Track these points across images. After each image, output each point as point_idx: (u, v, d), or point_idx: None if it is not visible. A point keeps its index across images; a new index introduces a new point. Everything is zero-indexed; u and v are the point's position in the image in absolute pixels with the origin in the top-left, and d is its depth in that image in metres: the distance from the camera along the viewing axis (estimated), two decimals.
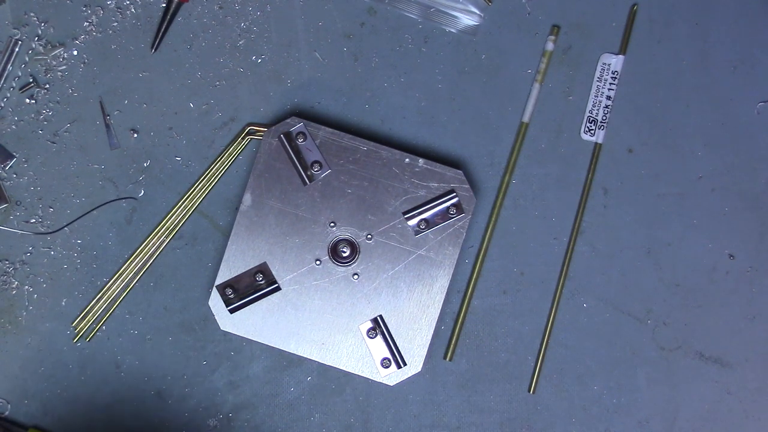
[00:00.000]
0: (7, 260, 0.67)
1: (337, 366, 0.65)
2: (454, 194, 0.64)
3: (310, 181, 0.65)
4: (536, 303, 0.68)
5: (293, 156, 0.64)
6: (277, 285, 0.64)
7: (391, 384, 0.65)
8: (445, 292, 0.65)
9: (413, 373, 0.65)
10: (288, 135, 0.65)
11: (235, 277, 0.64)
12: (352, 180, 0.65)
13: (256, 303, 0.64)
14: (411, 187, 0.65)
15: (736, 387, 0.68)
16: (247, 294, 0.64)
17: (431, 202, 0.64)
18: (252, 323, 0.64)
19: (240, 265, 0.64)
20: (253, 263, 0.64)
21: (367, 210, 0.65)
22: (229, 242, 0.64)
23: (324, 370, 0.67)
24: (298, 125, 0.64)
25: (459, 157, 0.68)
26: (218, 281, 0.64)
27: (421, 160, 0.64)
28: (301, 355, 0.64)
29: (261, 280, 0.64)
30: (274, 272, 0.64)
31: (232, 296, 0.64)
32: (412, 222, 0.65)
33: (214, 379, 0.68)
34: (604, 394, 0.68)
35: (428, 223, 0.65)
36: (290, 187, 0.65)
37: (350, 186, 0.65)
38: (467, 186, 0.64)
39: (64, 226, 0.67)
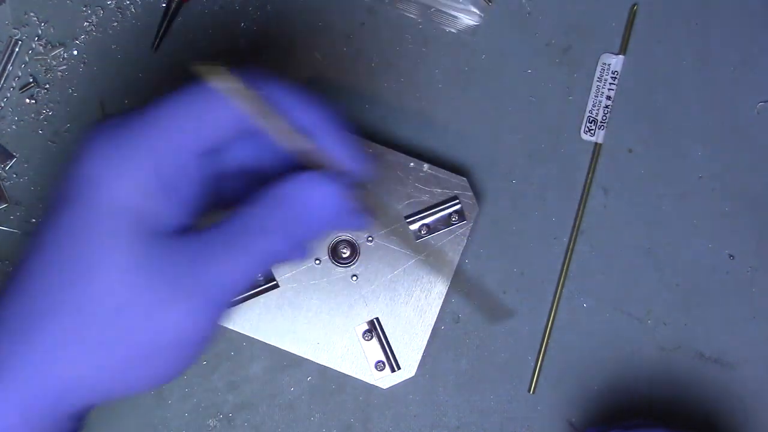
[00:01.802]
0: (7, 260, 0.67)
1: (331, 366, 0.65)
2: (457, 201, 0.64)
3: None
4: (536, 303, 0.68)
5: None
6: (275, 282, 0.64)
7: (384, 387, 0.65)
8: (443, 298, 0.65)
9: (407, 377, 0.65)
10: None
11: None
12: None
13: (253, 299, 0.64)
14: (414, 191, 0.65)
15: (736, 387, 0.68)
16: (244, 290, 0.64)
17: (433, 208, 0.64)
18: (248, 319, 0.64)
19: None
20: None
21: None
22: None
23: (324, 370, 0.67)
24: None
25: (459, 158, 0.68)
26: None
27: (425, 165, 0.64)
28: (296, 353, 0.64)
29: (259, 277, 0.64)
30: (273, 269, 0.64)
31: None
32: (414, 226, 0.65)
33: (214, 379, 0.68)
34: (604, 394, 0.68)
35: (430, 228, 0.65)
36: None
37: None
38: (470, 194, 0.64)
39: None
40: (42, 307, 0.44)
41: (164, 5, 0.67)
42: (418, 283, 0.65)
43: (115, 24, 0.68)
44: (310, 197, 0.46)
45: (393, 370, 0.65)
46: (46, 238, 0.44)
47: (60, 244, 0.44)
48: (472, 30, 0.68)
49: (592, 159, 0.68)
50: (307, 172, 0.46)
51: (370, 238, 0.65)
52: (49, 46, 0.67)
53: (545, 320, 0.68)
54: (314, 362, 0.65)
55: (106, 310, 0.43)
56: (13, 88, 0.67)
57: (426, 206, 0.65)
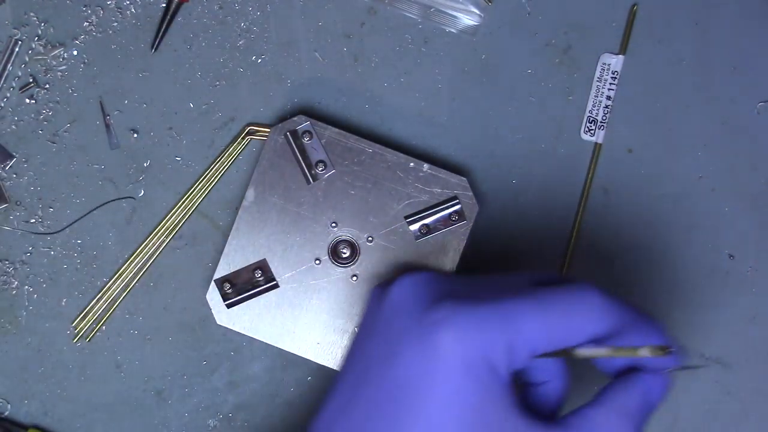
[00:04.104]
0: (7, 260, 0.67)
1: (331, 366, 0.65)
2: (457, 201, 0.64)
3: (313, 180, 0.65)
4: None
5: (298, 154, 0.64)
6: (275, 282, 0.64)
7: None
8: None
9: None
10: (294, 133, 0.65)
11: (234, 272, 0.64)
12: (356, 181, 0.65)
13: (253, 299, 0.64)
14: (414, 191, 0.65)
15: (736, 387, 0.68)
16: (245, 290, 0.64)
17: (433, 208, 0.64)
18: (249, 319, 0.64)
19: (239, 261, 0.64)
20: (252, 259, 0.64)
21: (369, 212, 0.65)
22: (229, 237, 0.64)
23: (324, 370, 0.67)
24: (305, 123, 0.64)
25: (459, 158, 0.68)
26: (217, 275, 0.64)
27: (425, 165, 0.64)
28: (296, 353, 0.64)
29: (260, 277, 0.64)
30: (273, 269, 0.64)
31: (230, 291, 0.64)
32: (414, 227, 0.65)
33: (214, 379, 0.68)
34: None
35: (429, 228, 0.65)
36: (293, 185, 0.65)
37: (353, 187, 0.65)
38: (470, 194, 0.64)
39: (66, 227, 0.67)
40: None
41: (164, 5, 0.67)
42: None
43: (115, 24, 0.68)
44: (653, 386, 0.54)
45: None
46: (387, 374, 0.50)
47: (401, 384, 0.49)
48: (472, 30, 0.68)
49: (592, 159, 0.68)
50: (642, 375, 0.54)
51: (370, 238, 0.65)
52: (49, 46, 0.67)
53: None
54: (314, 362, 0.65)
55: None
56: (13, 88, 0.67)
57: (426, 206, 0.65)
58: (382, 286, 0.57)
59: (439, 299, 0.50)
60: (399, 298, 0.52)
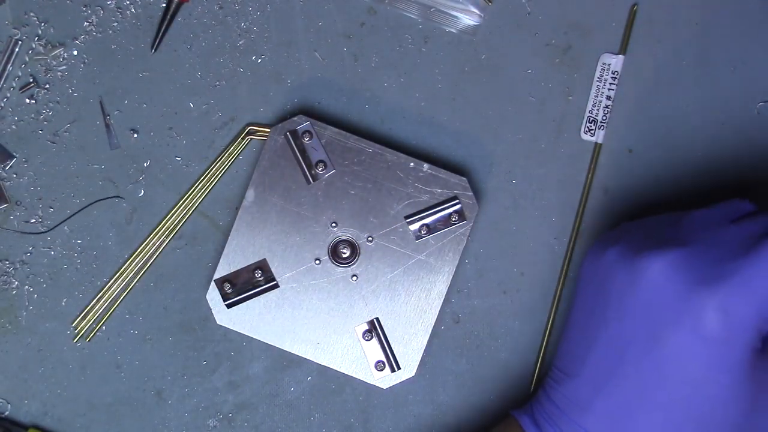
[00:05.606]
0: (7, 260, 0.67)
1: (331, 366, 0.65)
2: (457, 201, 0.64)
3: (313, 180, 0.65)
4: (536, 303, 0.68)
5: (298, 154, 0.64)
6: (275, 282, 0.64)
7: (384, 387, 0.65)
8: (442, 299, 0.65)
9: (407, 377, 0.65)
10: (294, 133, 0.65)
11: (234, 272, 0.64)
12: (356, 181, 0.65)
13: (253, 299, 0.64)
14: (414, 191, 0.65)
15: None
16: (245, 290, 0.64)
17: (433, 208, 0.64)
18: (249, 319, 0.64)
19: (239, 261, 0.64)
20: (252, 259, 0.64)
21: (370, 212, 0.65)
22: (229, 237, 0.64)
23: (324, 370, 0.67)
24: (305, 123, 0.64)
25: (459, 158, 0.68)
26: (217, 275, 0.64)
27: (425, 165, 0.64)
28: (296, 353, 0.65)
29: (260, 277, 0.64)
30: (273, 269, 0.64)
31: (230, 291, 0.64)
32: (414, 226, 0.65)
33: (214, 379, 0.68)
34: None
35: (429, 228, 0.65)
36: (293, 186, 0.65)
37: (353, 187, 0.65)
38: (470, 194, 0.64)
39: (56, 226, 0.67)
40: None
41: (164, 5, 0.67)
42: (418, 283, 0.65)
43: (115, 24, 0.68)
44: None
45: (393, 370, 0.65)
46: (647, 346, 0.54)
47: (668, 363, 0.54)
48: (472, 30, 0.68)
49: (592, 159, 0.68)
50: None
51: (370, 238, 0.65)
52: (49, 46, 0.67)
53: (545, 320, 0.68)
54: (314, 362, 0.65)
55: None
56: (13, 88, 0.67)
57: (426, 206, 0.65)
58: (606, 249, 0.58)
59: (699, 281, 0.53)
60: (657, 280, 0.54)
